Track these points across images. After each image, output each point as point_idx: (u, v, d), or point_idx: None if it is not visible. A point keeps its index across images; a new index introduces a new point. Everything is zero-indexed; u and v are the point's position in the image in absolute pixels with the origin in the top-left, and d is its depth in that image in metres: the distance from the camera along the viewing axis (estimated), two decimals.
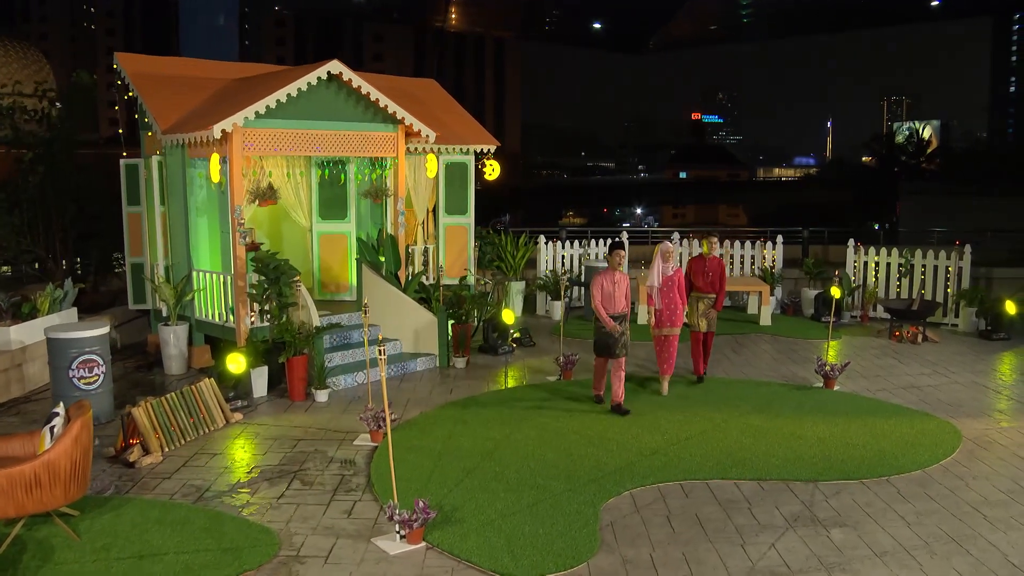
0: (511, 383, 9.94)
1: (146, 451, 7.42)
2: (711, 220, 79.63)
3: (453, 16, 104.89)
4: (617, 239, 8.94)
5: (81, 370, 8.23)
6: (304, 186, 11.78)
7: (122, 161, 11.45)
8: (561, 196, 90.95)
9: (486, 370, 10.56)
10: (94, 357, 8.31)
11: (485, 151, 14.13)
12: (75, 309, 10.50)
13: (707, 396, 9.15)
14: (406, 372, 10.44)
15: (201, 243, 10.80)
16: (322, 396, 9.24)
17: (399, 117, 11.07)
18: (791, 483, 6.66)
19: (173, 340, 10.38)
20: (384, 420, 7.74)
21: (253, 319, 9.95)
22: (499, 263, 14.68)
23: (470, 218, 13.93)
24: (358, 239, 11.39)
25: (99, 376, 8.34)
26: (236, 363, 8.93)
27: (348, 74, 10.46)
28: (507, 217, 17.44)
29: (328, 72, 10.30)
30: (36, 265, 13.12)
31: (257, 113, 9.61)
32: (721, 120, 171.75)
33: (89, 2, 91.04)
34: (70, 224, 13.05)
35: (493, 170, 14.40)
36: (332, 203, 11.92)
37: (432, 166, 12.14)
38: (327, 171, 11.58)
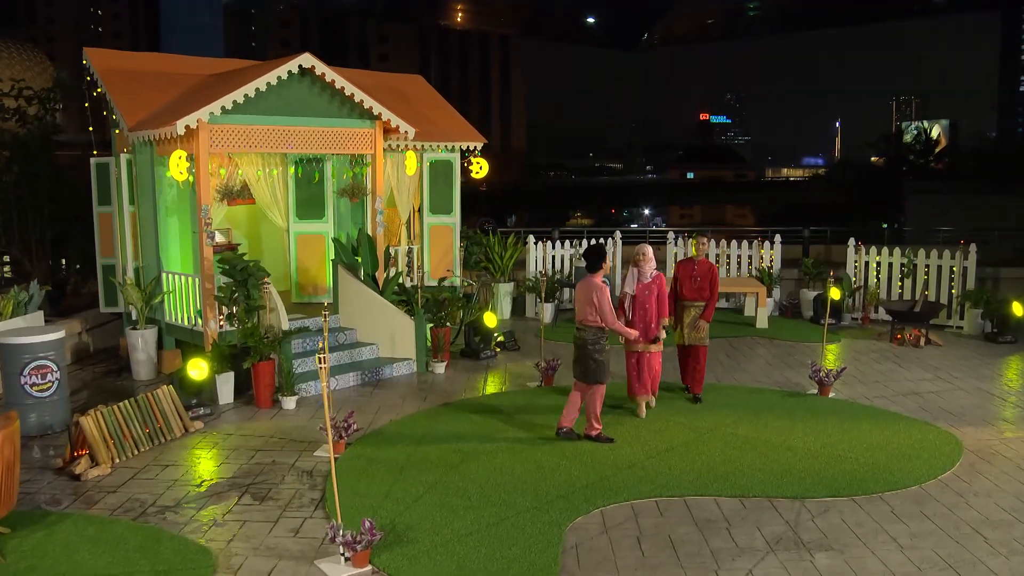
0: (489, 389, 9.49)
1: (95, 463, 7.02)
2: (718, 220, 79.06)
3: (457, 13, 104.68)
4: (602, 241, 7.95)
5: (33, 377, 7.84)
6: (280, 185, 11.34)
7: (92, 160, 11.06)
8: (568, 197, 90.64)
9: (465, 376, 10.12)
10: (47, 363, 7.91)
11: (472, 148, 13.71)
12: (41, 313, 10.12)
13: (694, 404, 8.68)
14: (381, 378, 10.01)
15: (171, 244, 10.41)
16: (289, 403, 8.82)
17: (376, 112, 10.65)
18: (776, 500, 6.19)
19: (141, 344, 9.99)
20: (347, 430, 7.32)
21: (222, 323, 9.53)
22: (487, 264, 14.25)
23: (455, 218, 13.51)
24: (334, 239, 10.97)
25: (53, 383, 7.94)
26: (198, 369, 8.51)
27: (321, 68, 10.05)
28: (493, 224, 16.95)
29: (299, 66, 9.88)
30: (9, 267, 12.75)
31: (224, 108, 9.21)
32: (729, 121, 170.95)
33: (95, 4, 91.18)
34: (47, 225, 12.68)
35: (480, 168, 13.94)
36: (309, 202, 11.49)
37: (412, 163, 11.70)
38: (301, 169, 11.15)
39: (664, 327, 8.29)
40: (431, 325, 10.61)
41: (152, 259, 10.36)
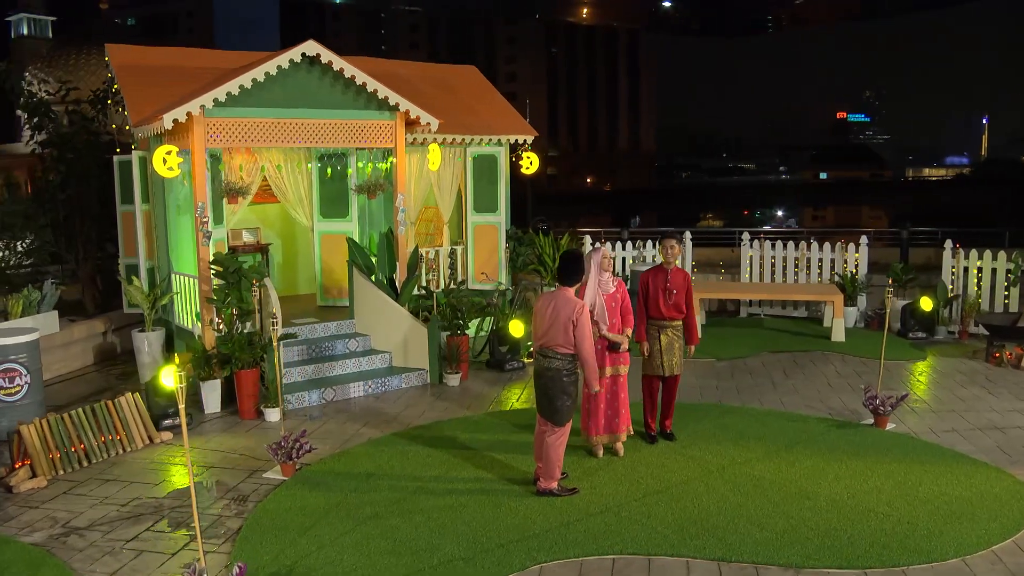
0: (497, 407, 8.52)
1: (34, 474, 6.59)
2: (852, 222, 74.56)
3: (582, 8, 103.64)
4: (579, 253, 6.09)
5: (1, 380, 7.55)
6: (304, 182, 10.84)
7: (115, 158, 10.92)
8: (699, 198, 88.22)
9: (480, 390, 9.21)
10: (15, 366, 7.61)
11: (521, 142, 12.80)
12: (55, 312, 10.00)
13: (719, 432, 7.39)
14: (386, 389, 9.25)
15: (182, 243, 10.05)
16: (273, 415, 8.20)
17: (392, 103, 9.90)
18: (763, 568, 4.92)
19: (147, 347, 9.66)
20: (297, 452, 6.57)
21: (221, 326, 9.05)
22: (537, 266, 13.26)
23: (501, 216, 12.65)
24: (348, 239, 10.31)
25: (22, 387, 7.64)
26: (172, 376, 7.99)
27: (327, 55, 9.39)
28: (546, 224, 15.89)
29: (303, 54, 9.27)
30: (54, 264, 12.86)
31: (216, 101, 8.68)
32: (868, 119, 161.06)
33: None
34: (93, 224, 12.74)
35: (531, 163, 12.99)
36: (333, 200, 10.90)
37: (435, 157, 10.88)
38: (325, 165, 10.58)
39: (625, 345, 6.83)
40: (447, 333, 9.77)
41: (164, 259, 10.05)
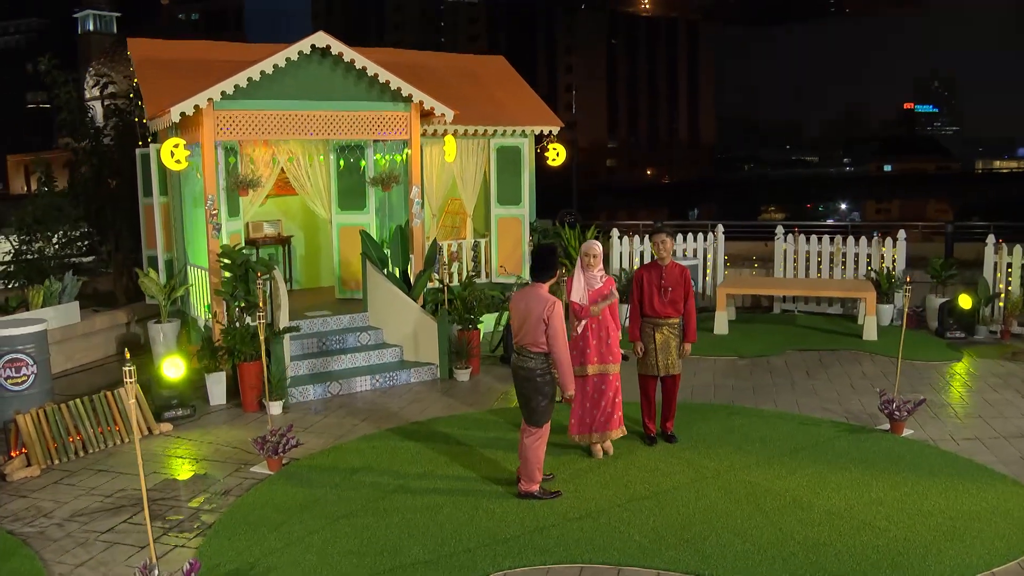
0: (503, 403, 8.33)
1: (30, 463, 6.68)
2: (917, 215, 72.22)
3: (644, 1, 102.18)
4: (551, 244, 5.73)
5: (8, 370, 7.69)
6: (322, 174, 10.80)
7: (138, 151, 11.06)
8: (761, 190, 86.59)
9: (488, 385, 9.05)
10: (22, 357, 7.73)
11: (547, 133, 12.58)
12: (76, 303, 10.18)
13: (723, 434, 7.07)
14: (394, 384, 9.16)
15: (198, 236, 10.10)
16: (275, 408, 8.17)
17: (405, 94, 9.77)
18: None
19: (162, 338, 9.78)
20: (283, 447, 6.51)
21: (223, 318, 9.07)
22: (563, 260, 13.01)
23: (524, 209, 12.47)
24: (361, 232, 10.23)
25: (28, 377, 7.76)
26: (175, 367, 8.04)
27: (338, 46, 9.32)
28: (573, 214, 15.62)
29: (312, 45, 9.21)
30: (89, 256, 13.15)
31: (224, 93, 8.70)
32: (936, 110, 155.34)
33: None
34: (123, 216, 12.97)
35: (557, 155, 12.76)
36: (351, 192, 10.84)
37: (451, 148, 10.73)
38: (343, 157, 10.52)
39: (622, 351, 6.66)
40: (459, 328, 9.62)
41: (181, 251, 10.14)
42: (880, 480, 5.96)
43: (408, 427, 7.59)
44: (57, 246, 12.81)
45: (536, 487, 5.82)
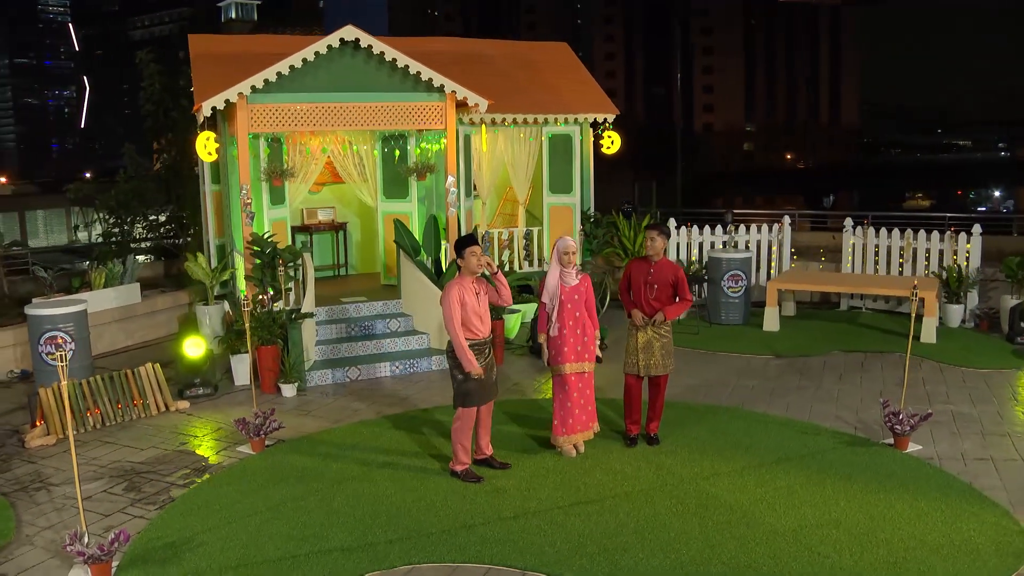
0: (515, 395, 8.29)
1: (48, 433, 7.29)
2: None
3: None
4: (470, 233, 5.70)
5: (48, 346, 8.39)
6: (369, 163, 11.08)
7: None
8: (908, 176, 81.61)
9: (505, 376, 9.03)
10: (61, 334, 8.42)
11: (603, 121, 12.35)
12: (137, 284, 10.93)
13: (710, 439, 6.75)
14: (414, 371, 9.32)
15: (238, 223, 10.61)
16: (288, 391, 8.52)
17: (438, 84, 9.84)
18: None
19: (208, 320, 10.36)
20: (264, 429, 6.78)
21: (263, 301, 9.50)
22: (616, 249, 12.78)
23: (575, 197, 12.34)
24: (395, 221, 10.42)
25: (67, 353, 8.40)
26: (195, 347, 8.51)
27: (367, 39, 9.49)
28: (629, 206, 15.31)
29: (341, 39, 9.42)
30: (174, 239, 14.07)
31: (254, 87, 9.06)
32: None
33: None
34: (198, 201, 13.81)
35: (612, 143, 12.50)
36: (395, 181, 11.06)
37: (484, 137, 10.71)
38: (387, 146, 10.75)
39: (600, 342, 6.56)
40: None
41: (229, 237, 10.68)
42: (851, 500, 5.53)
43: (410, 414, 7.72)
44: (143, 229, 13.80)
45: (460, 468, 6.06)
